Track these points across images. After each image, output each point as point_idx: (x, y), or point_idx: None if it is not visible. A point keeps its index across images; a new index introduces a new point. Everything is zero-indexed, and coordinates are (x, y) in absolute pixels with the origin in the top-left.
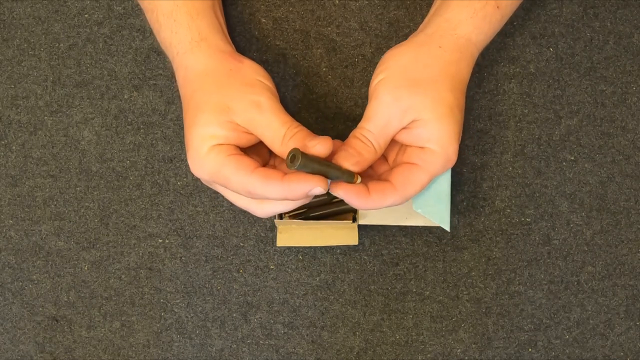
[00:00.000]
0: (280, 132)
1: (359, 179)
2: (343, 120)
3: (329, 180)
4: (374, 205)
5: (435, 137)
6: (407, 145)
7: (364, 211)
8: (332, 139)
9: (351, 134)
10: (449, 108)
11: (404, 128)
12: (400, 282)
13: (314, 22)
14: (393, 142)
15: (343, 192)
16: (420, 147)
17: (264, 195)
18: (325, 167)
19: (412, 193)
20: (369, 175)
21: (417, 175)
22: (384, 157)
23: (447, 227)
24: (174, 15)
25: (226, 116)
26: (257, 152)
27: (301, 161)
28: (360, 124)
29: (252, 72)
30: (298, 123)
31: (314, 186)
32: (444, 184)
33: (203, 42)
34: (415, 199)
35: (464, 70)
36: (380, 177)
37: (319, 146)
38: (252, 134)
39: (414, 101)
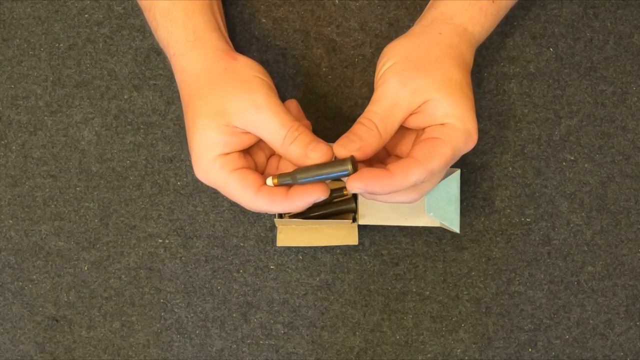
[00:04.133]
0: (280, 133)
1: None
2: (343, 121)
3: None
4: (398, 184)
5: (452, 112)
6: (425, 128)
7: (364, 211)
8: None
9: (356, 121)
10: (458, 84)
11: (417, 113)
12: (400, 282)
13: (314, 22)
14: (408, 134)
15: (362, 184)
16: (440, 124)
17: (268, 211)
18: (323, 170)
19: (436, 166)
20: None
21: (441, 147)
22: (396, 156)
23: (457, 230)
24: (171, 14)
25: (223, 119)
26: (262, 146)
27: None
28: (366, 108)
29: (247, 68)
30: (298, 123)
31: (317, 197)
32: (454, 186)
33: (198, 42)
34: (427, 202)
35: (466, 53)
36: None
37: (319, 159)
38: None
39: (421, 82)
